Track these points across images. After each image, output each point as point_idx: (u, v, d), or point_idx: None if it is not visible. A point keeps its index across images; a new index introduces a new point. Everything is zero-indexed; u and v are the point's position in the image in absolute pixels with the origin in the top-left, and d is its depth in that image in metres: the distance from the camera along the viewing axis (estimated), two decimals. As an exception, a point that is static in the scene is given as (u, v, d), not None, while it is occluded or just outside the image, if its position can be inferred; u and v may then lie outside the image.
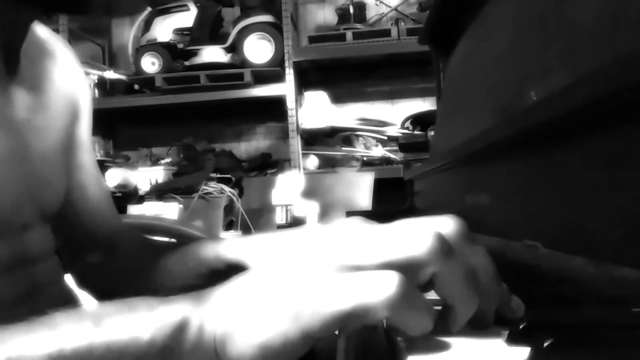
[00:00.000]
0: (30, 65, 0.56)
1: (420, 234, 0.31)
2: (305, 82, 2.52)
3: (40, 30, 0.60)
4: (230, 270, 0.45)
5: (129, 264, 0.66)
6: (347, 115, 2.43)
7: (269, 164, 2.47)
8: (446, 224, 0.33)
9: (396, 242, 0.31)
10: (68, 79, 0.62)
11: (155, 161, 2.45)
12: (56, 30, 0.64)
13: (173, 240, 1.37)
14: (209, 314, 0.32)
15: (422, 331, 0.30)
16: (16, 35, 0.52)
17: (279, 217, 2.10)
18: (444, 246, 0.30)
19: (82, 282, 0.68)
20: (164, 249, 0.62)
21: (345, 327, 0.29)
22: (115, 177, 2.07)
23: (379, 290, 0.28)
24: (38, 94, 0.56)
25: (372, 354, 0.33)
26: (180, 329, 0.31)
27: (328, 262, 0.31)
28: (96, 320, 0.31)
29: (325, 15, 2.61)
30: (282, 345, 0.29)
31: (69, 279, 0.67)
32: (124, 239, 0.71)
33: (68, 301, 0.61)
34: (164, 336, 0.31)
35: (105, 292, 0.64)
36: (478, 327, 0.33)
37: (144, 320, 0.31)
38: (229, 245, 0.53)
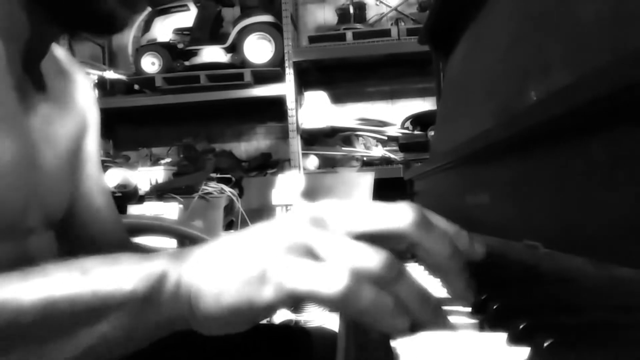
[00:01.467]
0: (47, 80, 0.59)
1: (400, 209, 0.33)
2: (305, 82, 2.52)
3: (57, 50, 0.64)
4: None
5: None
6: (347, 115, 2.43)
7: (269, 164, 2.47)
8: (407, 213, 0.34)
9: (377, 214, 0.33)
10: (79, 96, 0.66)
11: (155, 161, 2.45)
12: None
13: (173, 240, 1.37)
14: (187, 270, 0.34)
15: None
16: (39, 50, 0.55)
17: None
18: (423, 219, 0.33)
19: None
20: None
21: (301, 303, 0.31)
22: (115, 177, 2.07)
23: (329, 281, 0.30)
24: (54, 107, 0.59)
25: (370, 354, 0.33)
26: (160, 281, 0.34)
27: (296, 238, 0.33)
28: (84, 271, 0.34)
29: (325, 15, 2.60)
30: (248, 310, 0.32)
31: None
32: (126, 249, 0.72)
33: None
34: (144, 287, 0.34)
35: None
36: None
37: (128, 272, 0.34)
38: None
